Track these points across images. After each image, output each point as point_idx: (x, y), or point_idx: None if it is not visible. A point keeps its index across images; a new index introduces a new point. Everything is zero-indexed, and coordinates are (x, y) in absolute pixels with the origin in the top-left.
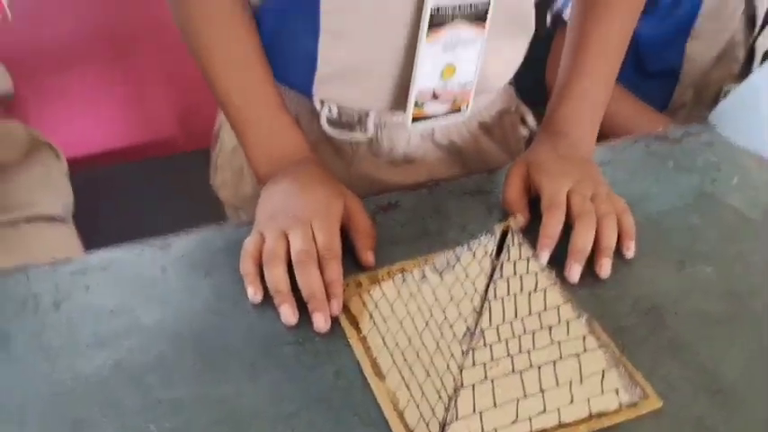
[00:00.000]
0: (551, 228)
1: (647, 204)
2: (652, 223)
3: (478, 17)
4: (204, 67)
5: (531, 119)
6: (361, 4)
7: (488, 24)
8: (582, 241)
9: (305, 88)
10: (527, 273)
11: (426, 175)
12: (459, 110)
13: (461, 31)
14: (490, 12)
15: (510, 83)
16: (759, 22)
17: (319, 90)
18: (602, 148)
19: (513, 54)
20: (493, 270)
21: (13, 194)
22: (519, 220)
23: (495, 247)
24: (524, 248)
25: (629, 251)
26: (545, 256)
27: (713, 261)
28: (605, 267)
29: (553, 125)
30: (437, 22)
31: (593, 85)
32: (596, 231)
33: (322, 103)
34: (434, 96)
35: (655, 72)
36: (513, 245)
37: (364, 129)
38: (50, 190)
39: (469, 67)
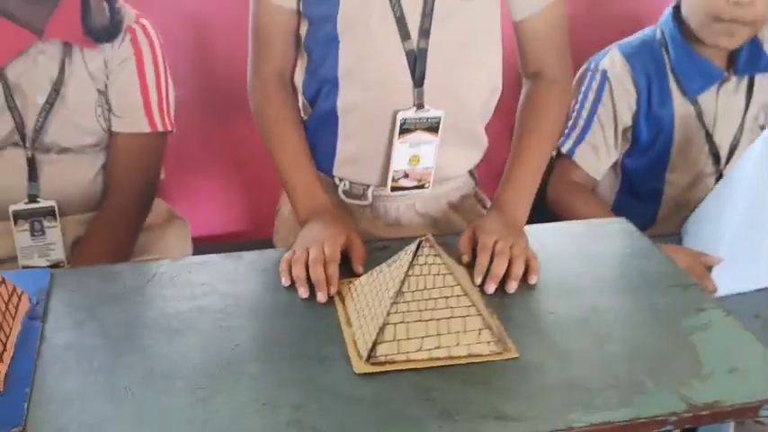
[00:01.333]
0: (481, 264)
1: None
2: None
3: (433, 128)
4: (273, 156)
5: (488, 203)
6: (362, 121)
7: (440, 134)
8: (497, 269)
9: (328, 171)
10: (433, 264)
11: (411, 235)
12: (423, 186)
13: (422, 135)
14: (440, 127)
15: (473, 176)
16: (723, 160)
17: (337, 171)
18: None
19: (463, 157)
20: (412, 261)
21: (151, 247)
22: (464, 258)
23: (415, 250)
24: (432, 251)
25: (533, 280)
26: (479, 280)
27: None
28: (512, 287)
29: (498, 205)
30: (405, 129)
31: (526, 179)
32: (509, 265)
33: (339, 180)
34: (405, 175)
35: (642, 195)
36: (424, 248)
37: (366, 198)
38: (178, 249)
39: (428, 159)
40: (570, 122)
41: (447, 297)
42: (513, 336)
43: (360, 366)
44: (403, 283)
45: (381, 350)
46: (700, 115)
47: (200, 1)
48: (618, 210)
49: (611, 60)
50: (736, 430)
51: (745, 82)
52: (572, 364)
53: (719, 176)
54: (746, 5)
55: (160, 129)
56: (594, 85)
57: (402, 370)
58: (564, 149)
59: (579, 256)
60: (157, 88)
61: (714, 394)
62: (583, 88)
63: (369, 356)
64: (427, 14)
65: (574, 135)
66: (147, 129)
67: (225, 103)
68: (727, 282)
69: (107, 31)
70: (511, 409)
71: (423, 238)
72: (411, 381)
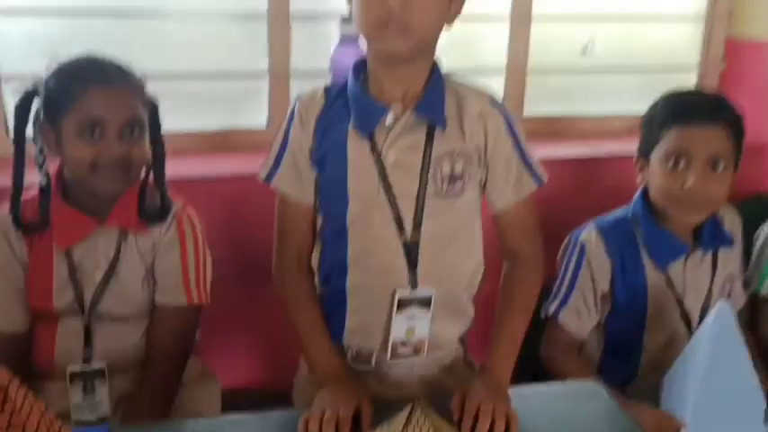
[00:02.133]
0: (466, 425)
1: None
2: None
3: (425, 304)
4: (293, 326)
5: (476, 366)
6: (366, 298)
7: (432, 309)
8: (481, 429)
9: (338, 340)
10: (423, 425)
11: (410, 395)
12: (419, 353)
13: (416, 310)
14: (432, 303)
15: (463, 343)
16: (694, 324)
17: (346, 340)
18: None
19: (453, 327)
20: (406, 422)
21: (185, 402)
22: (455, 417)
23: (408, 412)
24: (423, 412)
25: None
26: None
27: None
28: None
29: (484, 370)
30: (402, 305)
31: (508, 346)
32: (491, 425)
33: (348, 347)
34: (403, 344)
35: (623, 354)
36: (416, 410)
37: (370, 363)
38: (209, 405)
39: (423, 330)
40: (555, 288)
41: None
42: None
43: None
44: None
45: None
46: (670, 283)
47: (237, 189)
48: (602, 366)
49: (588, 234)
50: None
51: (709, 255)
52: None
53: None
54: (698, 192)
55: (195, 301)
56: (575, 257)
57: None
58: (550, 313)
59: (554, 415)
60: (196, 267)
61: None
62: (565, 259)
63: None
64: (418, 213)
65: (558, 300)
66: (184, 302)
67: (255, 277)
68: None
69: (157, 217)
70: None
71: (415, 401)
72: None
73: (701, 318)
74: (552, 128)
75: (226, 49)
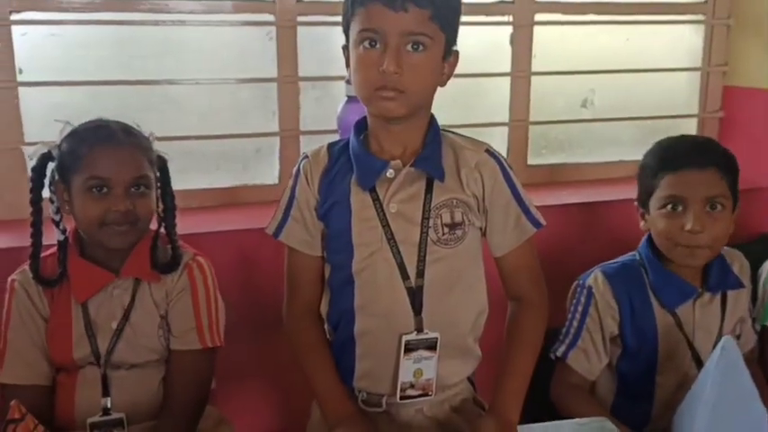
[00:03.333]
0: None
1: None
2: None
3: (431, 347)
4: (305, 372)
5: (485, 405)
6: (374, 343)
7: (438, 351)
8: None
9: (349, 383)
10: None
11: None
12: (427, 394)
13: (423, 353)
14: (438, 345)
15: (471, 382)
16: (705, 363)
17: (356, 384)
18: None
19: (459, 368)
20: None
21: None
22: None
23: None
24: None
25: None
26: None
27: None
28: None
29: (493, 409)
30: (409, 348)
31: (515, 384)
32: None
33: (359, 391)
34: (411, 386)
35: (636, 396)
36: None
37: (381, 406)
38: None
39: (430, 371)
40: (564, 330)
41: None
42: None
43: None
44: None
45: None
46: (680, 325)
47: (248, 240)
48: (616, 409)
49: (595, 279)
50: None
51: (718, 297)
52: None
53: None
54: (698, 233)
55: (209, 345)
56: (582, 299)
57: None
58: (559, 354)
59: None
60: (208, 312)
61: None
62: (574, 301)
63: None
64: (421, 260)
65: (567, 341)
66: (198, 346)
67: (267, 325)
68: None
69: (169, 267)
70: None
71: None
72: None
73: None
74: (555, 176)
75: (238, 112)
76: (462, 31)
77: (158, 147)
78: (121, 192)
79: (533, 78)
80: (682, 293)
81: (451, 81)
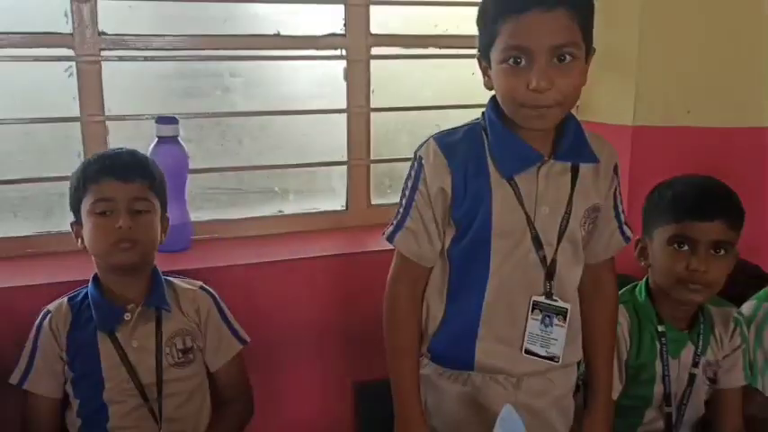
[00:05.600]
0: None
1: None
2: None
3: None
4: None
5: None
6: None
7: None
8: None
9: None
10: None
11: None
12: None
13: (554, 319)
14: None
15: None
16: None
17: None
18: None
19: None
20: None
21: None
22: None
23: None
24: None
25: None
26: None
27: None
28: None
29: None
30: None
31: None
32: None
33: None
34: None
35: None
36: None
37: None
38: None
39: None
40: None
41: None
42: None
43: None
44: None
45: None
46: (519, 197)
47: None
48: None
49: (426, 148)
50: None
51: (569, 170)
52: None
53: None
54: (545, 91)
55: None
56: (413, 173)
57: None
58: (386, 236)
59: None
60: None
61: None
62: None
63: None
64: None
65: (395, 221)
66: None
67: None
68: None
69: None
70: None
71: None
72: None
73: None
74: None
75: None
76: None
77: None
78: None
79: (375, 115)
80: (521, 159)
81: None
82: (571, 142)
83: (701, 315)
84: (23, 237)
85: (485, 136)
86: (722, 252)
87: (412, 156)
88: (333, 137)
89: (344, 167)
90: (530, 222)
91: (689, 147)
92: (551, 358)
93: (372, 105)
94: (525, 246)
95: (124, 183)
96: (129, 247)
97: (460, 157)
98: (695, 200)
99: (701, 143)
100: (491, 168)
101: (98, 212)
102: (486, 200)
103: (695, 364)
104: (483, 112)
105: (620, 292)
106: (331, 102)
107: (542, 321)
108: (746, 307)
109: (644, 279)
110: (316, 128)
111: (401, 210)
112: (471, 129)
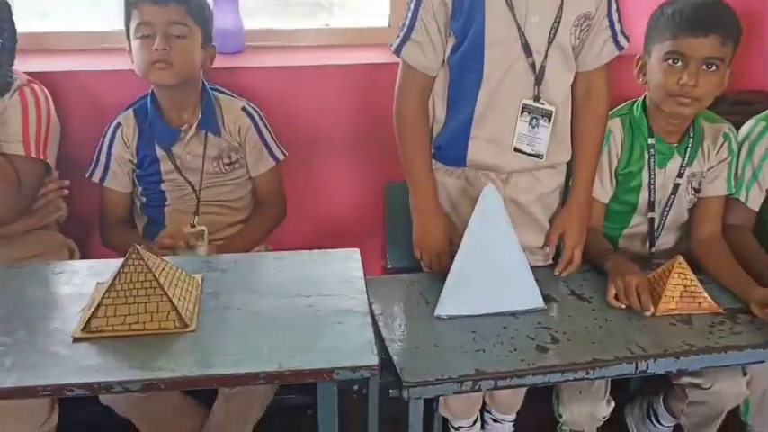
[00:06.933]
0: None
1: None
2: None
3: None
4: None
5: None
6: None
7: (552, 122)
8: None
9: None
10: (139, 265)
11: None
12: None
13: (541, 120)
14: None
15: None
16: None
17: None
18: None
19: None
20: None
21: None
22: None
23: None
24: (140, 258)
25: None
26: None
27: None
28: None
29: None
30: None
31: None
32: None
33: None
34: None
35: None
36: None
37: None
38: None
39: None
40: (401, 24)
41: (146, 288)
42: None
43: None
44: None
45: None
46: (511, 7)
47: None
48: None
49: None
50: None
51: None
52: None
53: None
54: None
55: (33, 156)
56: None
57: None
58: (393, 48)
59: None
60: (37, 128)
61: None
62: None
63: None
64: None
65: (401, 34)
66: (22, 152)
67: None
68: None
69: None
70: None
71: None
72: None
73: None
74: None
75: None
76: None
77: None
78: None
79: None
80: None
81: None
82: None
83: (691, 130)
84: (100, 32)
85: None
86: (713, 68)
87: None
88: None
89: None
90: (519, 30)
91: None
92: (536, 155)
93: None
94: (515, 53)
95: (160, 7)
96: (164, 67)
97: None
98: (691, 14)
99: None
100: None
101: (139, 36)
102: (481, 10)
103: (680, 175)
104: None
105: (619, 107)
106: None
107: (530, 123)
108: (746, 126)
109: (643, 96)
110: None
111: (407, 22)
112: None
